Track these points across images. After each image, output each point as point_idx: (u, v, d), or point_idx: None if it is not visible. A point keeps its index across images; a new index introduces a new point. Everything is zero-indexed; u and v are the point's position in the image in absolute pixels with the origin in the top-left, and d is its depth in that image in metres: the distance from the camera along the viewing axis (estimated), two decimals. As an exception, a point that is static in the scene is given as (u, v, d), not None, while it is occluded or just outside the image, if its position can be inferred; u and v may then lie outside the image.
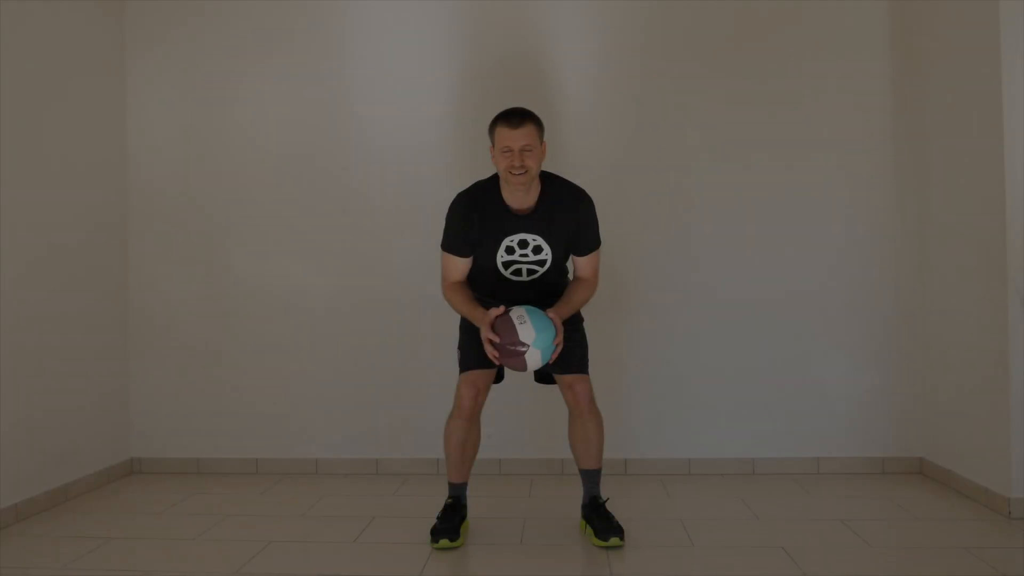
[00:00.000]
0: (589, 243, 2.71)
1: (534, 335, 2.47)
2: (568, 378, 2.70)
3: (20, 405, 3.06)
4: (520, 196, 2.61)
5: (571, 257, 2.77)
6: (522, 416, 3.58)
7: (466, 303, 2.67)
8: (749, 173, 3.59)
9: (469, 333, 2.76)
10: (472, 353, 2.74)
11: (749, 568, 2.45)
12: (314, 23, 3.74)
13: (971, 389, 3.14)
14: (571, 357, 2.71)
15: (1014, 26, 2.88)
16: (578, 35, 3.65)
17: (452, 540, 2.64)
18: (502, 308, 2.54)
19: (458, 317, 2.82)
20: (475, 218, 2.63)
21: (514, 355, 2.49)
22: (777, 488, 3.35)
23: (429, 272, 3.49)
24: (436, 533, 2.65)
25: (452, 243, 2.70)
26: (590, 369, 2.78)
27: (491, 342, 2.50)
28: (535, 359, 2.50)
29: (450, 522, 2.68)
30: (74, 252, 3.41)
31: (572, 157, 3.60)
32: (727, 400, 3.60)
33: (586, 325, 2.83)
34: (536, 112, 2.63)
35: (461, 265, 2.72)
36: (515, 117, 2.55)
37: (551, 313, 2.56)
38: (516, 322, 2.49)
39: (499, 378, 2.83)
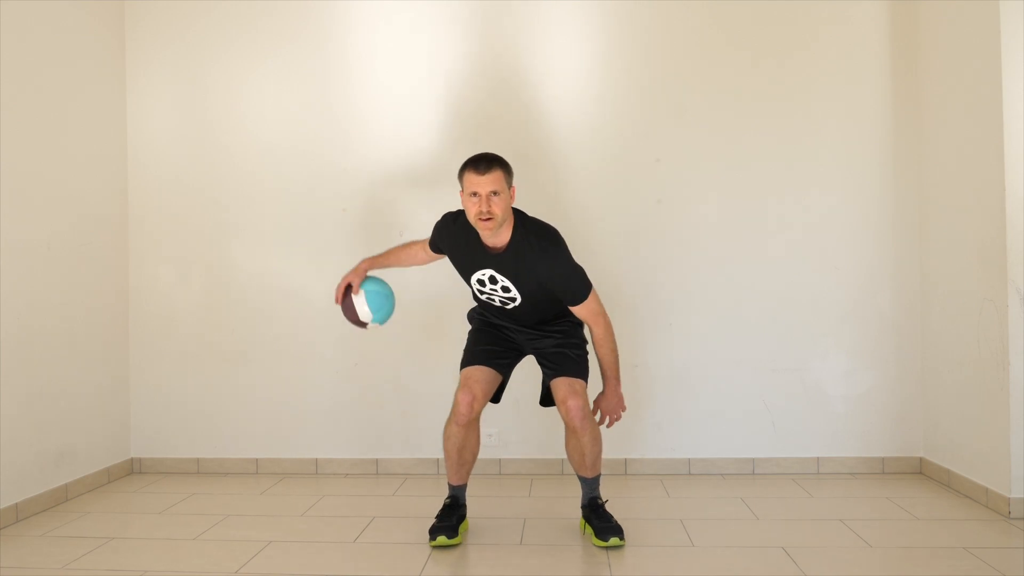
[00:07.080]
0: (574, 294, 2.62)
1: (370, 315, 2.77)
2: (561, 392, 2.68)
3: (20, 404, 3.06)
4: (489, 237, 2.61)
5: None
6: (522, 416, 3.58)
7: (387, 252, 2.96)
8: (748, 173, 3.59)
9: (476, 331, 2.86)
10: (472, 351, 2.80)
11: (749, 568, 2.45)
12: (315, 21, 3.73)
13: (971, 389, 3.14)
14: (565, 360, 2.72)
15: (1014, 26, 2.89)
16: (580, 34, 3.65)
17: (450, 538, 2.65)
18: (355, 286, 2.78)
19: (464, 318, 2.97)
20: (452, 243, 2.72)
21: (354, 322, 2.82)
22: (777, 488, 3.36)
23: (430, 271, 3.50)
24: (434, 531, 2.67)
25: (431, 238, 2.86)
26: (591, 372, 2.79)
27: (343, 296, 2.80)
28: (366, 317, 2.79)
29: (448, 520, 2.70)
30: (75, 251, 3.41)
31: (571, 157, 3.61)
32: (727, 400, 3.60)
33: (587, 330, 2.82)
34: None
35: (431, 249, 2.89)
36: (482, 163, 2.54)
37: (611, 394, 2.75)
38: (355, 302, 2.77)
39: (496, 399, 2.86)
